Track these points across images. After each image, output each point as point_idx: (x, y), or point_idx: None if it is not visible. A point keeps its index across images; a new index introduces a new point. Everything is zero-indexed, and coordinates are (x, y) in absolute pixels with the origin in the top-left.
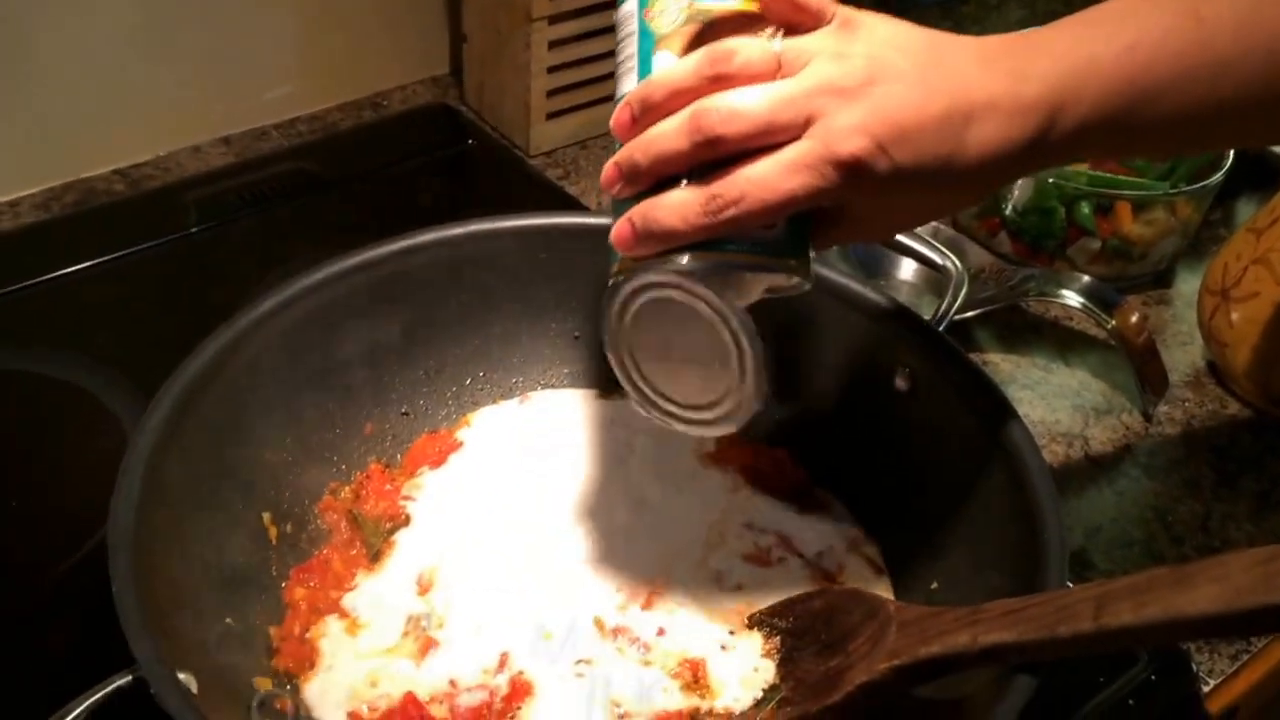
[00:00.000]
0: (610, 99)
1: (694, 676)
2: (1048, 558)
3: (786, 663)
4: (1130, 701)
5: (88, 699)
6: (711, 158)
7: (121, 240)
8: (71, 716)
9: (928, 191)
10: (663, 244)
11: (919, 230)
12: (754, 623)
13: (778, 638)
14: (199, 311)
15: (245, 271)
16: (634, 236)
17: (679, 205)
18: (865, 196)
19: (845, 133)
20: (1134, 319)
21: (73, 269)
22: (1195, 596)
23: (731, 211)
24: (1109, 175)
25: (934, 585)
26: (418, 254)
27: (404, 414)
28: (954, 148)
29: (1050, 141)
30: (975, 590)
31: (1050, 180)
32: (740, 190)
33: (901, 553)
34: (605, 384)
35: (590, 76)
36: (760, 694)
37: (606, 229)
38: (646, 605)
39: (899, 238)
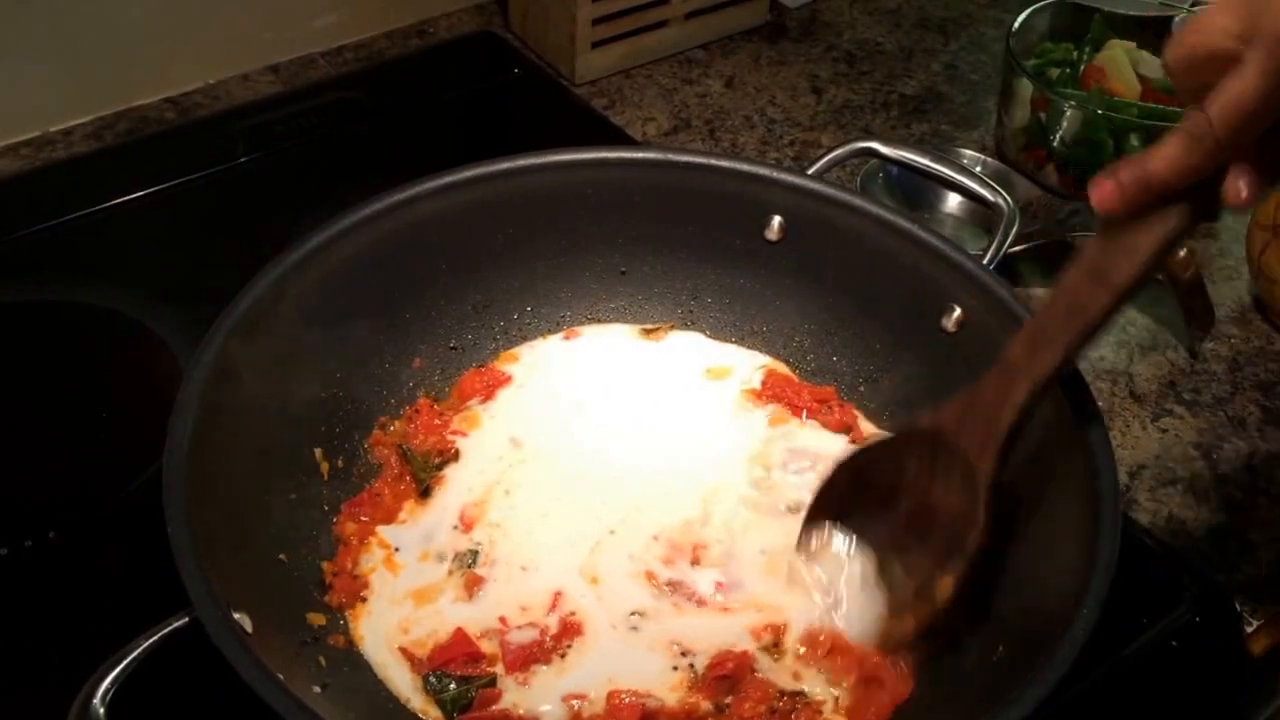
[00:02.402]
0: (655, 27)
1: (775, 640)
2: (1101, 497)
3: (867, 543)
4: (1173, 643)
5: (144, 641)
6: None
7: (172, 170)
8: (130, 659)
9: None
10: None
11: (965, 163)
12: (805, 536)
13: (838, 529)
14: (248, 241)
15: (293, 201)
16: None
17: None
18: None
19: None
20: (1181, 254)
21: (125, 198)
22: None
23: None
24: (1159, 107)
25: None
26: (464, 189)
27: (452, 348)
28: None
29: None
30: (1021, 533)
31: (1100, 111)
32: None
33: None
34: (650, 319)
35: (635, 4)
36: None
37: (654, 162)
38: (694, 562)
39: (947, 171)
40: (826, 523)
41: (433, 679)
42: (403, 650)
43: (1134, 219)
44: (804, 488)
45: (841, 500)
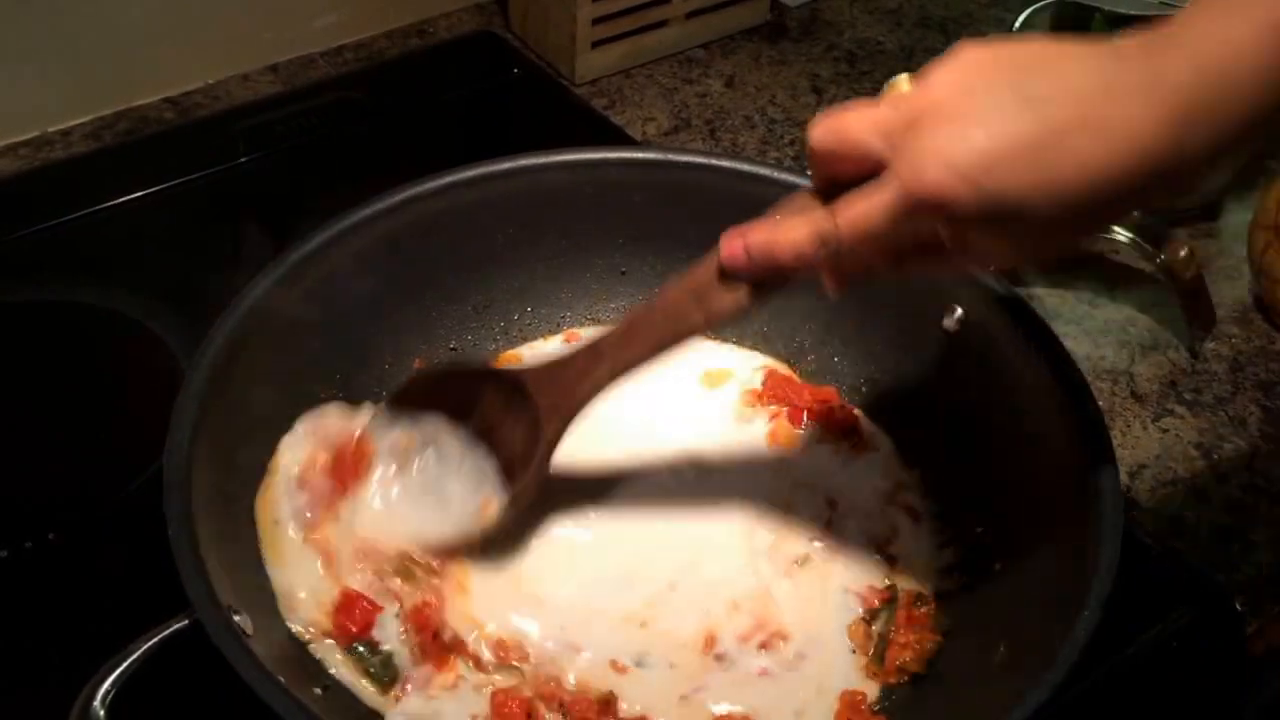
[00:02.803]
0: (655, 26)
1: None
2: (1102, 497)
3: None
4: (1174, 643)
5: (145, 643)
6: None
7: (172, 170)
8: (130, 661)
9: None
10: None
11: None
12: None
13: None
14: (248, 242)
15: (293, 201)
16: None
17: None
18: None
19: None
20: (1182, 253)
21: (123, 199)
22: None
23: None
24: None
25: (979, 530)
26: (464, 189)
27: (452, 349)
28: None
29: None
30: (1023, 533)
31: None
32: None
33: (948, 493)
34: None
35: (636, 4)
36: None
37: (654, 162)
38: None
39: None
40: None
41: None
42: None
43: None
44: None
45: (415, 406)
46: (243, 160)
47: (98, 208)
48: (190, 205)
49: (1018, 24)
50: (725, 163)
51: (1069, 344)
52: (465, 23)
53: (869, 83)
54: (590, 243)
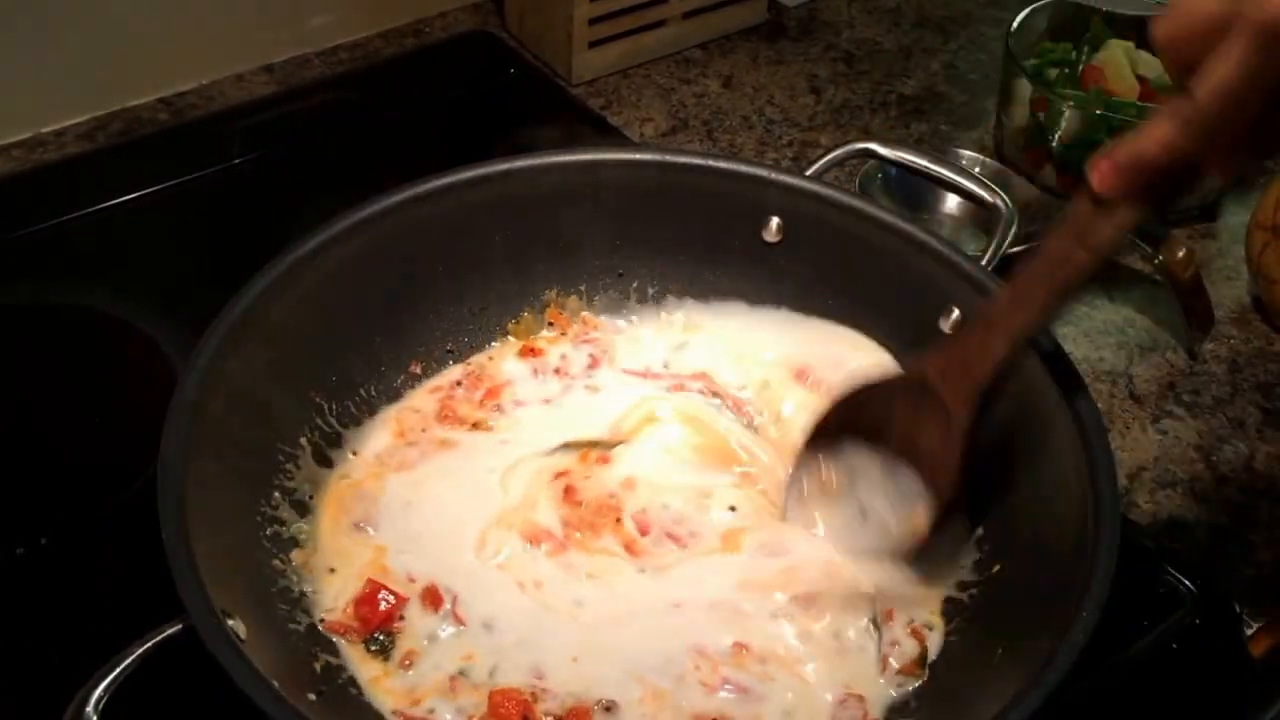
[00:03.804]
0: (652, 26)
1: None
2: (1101, 499)
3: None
4: (1174, 645)
5: (138, 648)
6: None
7: (166, 171)
8: (123, 666)
9: None
10: None
11: (963, 164)
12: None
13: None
14: (243, 244)
15: (289, 202)
16: None
17: None
18: None
19: None
20: (1180, 254)
21: (117, 200)
22: None
23: None
24: (1159, 107)
25: (979, 532)
26: (460, 190)
27: (448, 351)
28: None
29: None
30: (1020, 535)
31: (1098, 112)
32: None
33: None
34: (646, 322)
35: (633, 4)
36: None
37: (651, 163)
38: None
39: (944, 172)
40: (819, 458)
41: None
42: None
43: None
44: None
45: (832, 437)
46: (237, 161)
47: (91, 209)
48: (185, 207)
49: (1015, 24)
50: (723, 164)
51: (1067, 345)
52: (461, 22)
53: (867, 83)
54: (587, 244)
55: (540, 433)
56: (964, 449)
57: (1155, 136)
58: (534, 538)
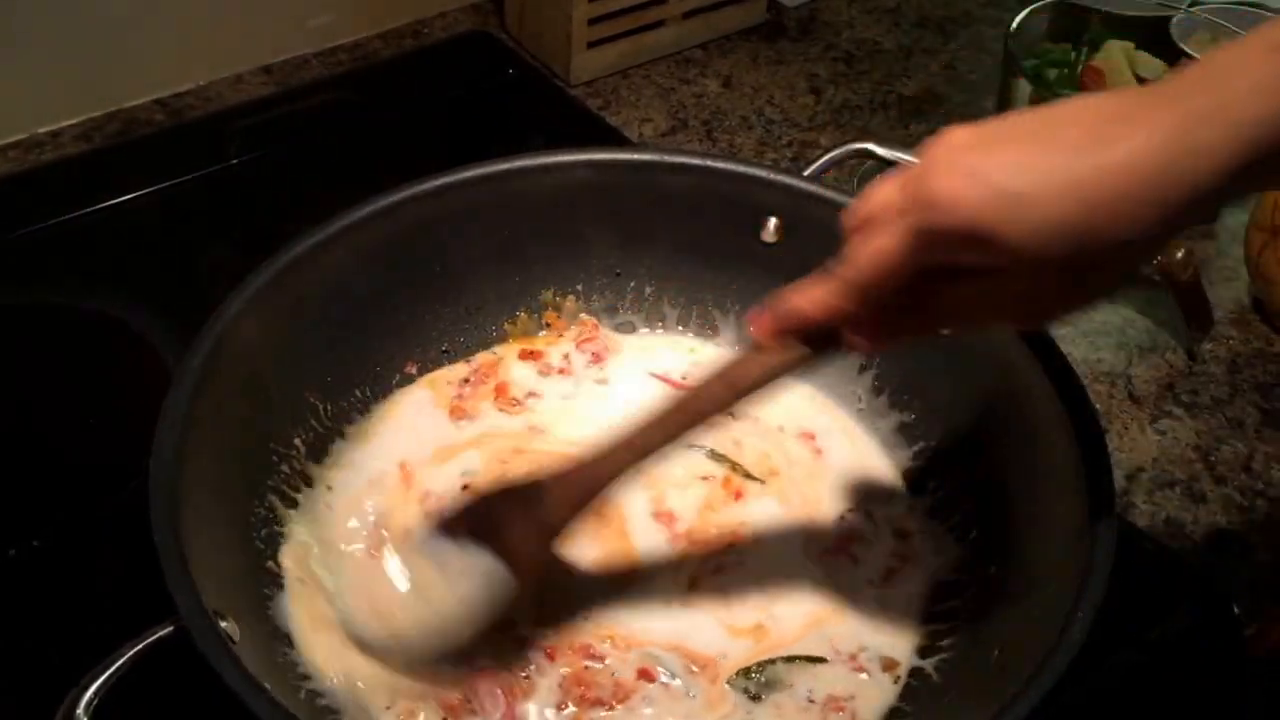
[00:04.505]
0: (652, 26)
1: None
2: (1097, 500)
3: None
4: (1172, 646)
5: (130, 650)
6: None
7: (163, 171)
8: (114, 667)
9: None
10: None
11: None
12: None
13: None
14: (239, 245)
15: (286, 203)
16: None
17: None
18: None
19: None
20: (1179, 255)
21: (114, 201)
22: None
23: None
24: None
25: (973, 534)
26: (458, 191)
27: (444, 352)
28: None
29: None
30: (1018, 536)
31: None
32: None
33: (942, 498)
34: (645, 322)
35: (632, 4)
36: None
37: (650, 163)
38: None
39: None
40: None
41: None
42: None
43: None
44: None
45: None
46: (234, 162)
47: (88, 210)
48: (181, 208)
49: (1014, 25)
50: (721, 164)
51: (1066, 346)
52: (460, 23)
53: (867, 83)
54: (585, 244)
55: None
56: (545, 545)
57: (811, 295)
58: None
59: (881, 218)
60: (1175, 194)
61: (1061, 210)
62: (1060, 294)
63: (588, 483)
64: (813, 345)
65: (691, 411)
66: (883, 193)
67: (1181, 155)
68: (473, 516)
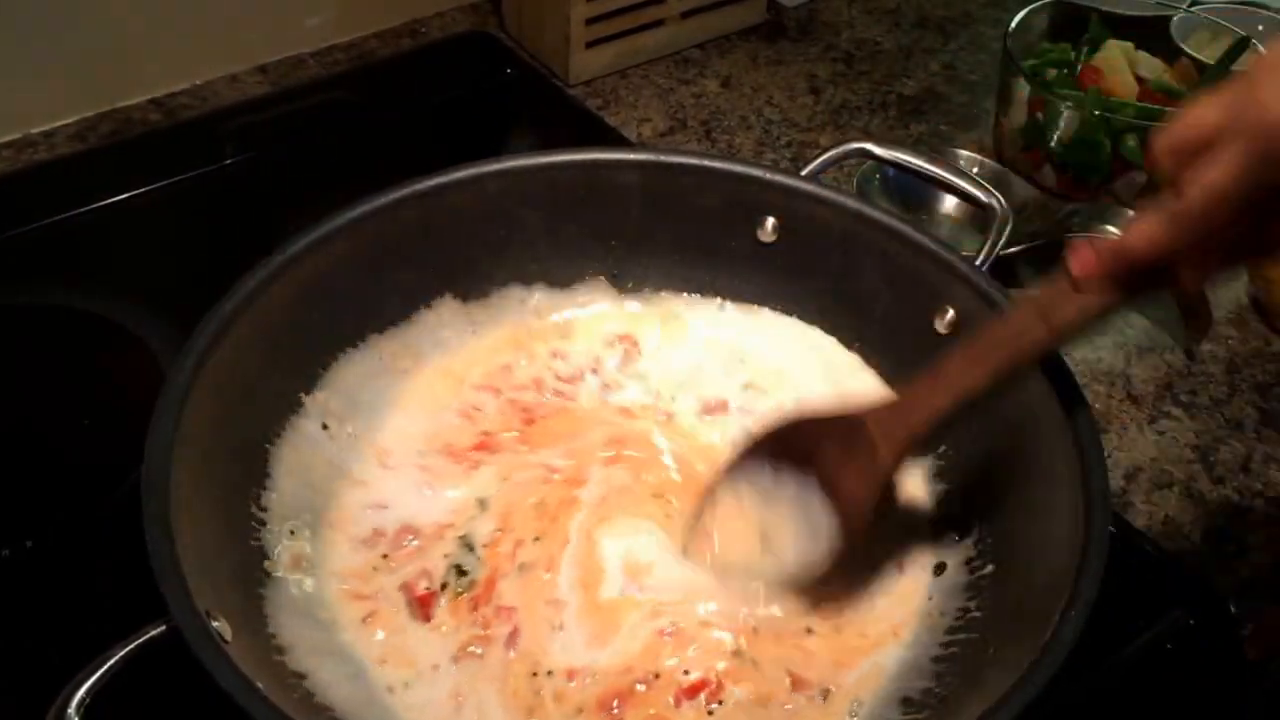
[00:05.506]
0: (650, 26)
1: None
2: (1092, 500)
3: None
4: (1169, 646)
5: (121, 649)
6: None
7: (158, 171)
8: (105, 667)
9: None
10: None
11: (962, 164)
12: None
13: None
14: (234, 245)
15: (282, 203)
16: None
17: None
18: None
19: None
20: None
21: (108, 201)
22: None
23: None
24: (1156, 107)
25: (970, 534)
26: (456, 191)
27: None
28: None
29: None
30: (1015, 536)
31: (1096, 112)
32: None
33: (941, 495)
34: None
35: (631, 3)
36: None
37: (649, 164)
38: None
39: (939, 172)
40: (738, 482)
41: None
42: None
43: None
44: None
45: (756, 462)
46: (230, 162)
47: (82, 210)
48: (176, 208)
49: (1014, 25)
50: (719, 164)
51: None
52: (458, 23)
53: (866, 83)
54: (583, 245)
55: None
56: (878, 494)
57: (1141, 231)
58: None
59: (1208, 142)
60: None
61: None
62: None
63: (908, 423)
64: (1134, 287)
65: (1011, 348)
66: (1202, 114)
67: None
68: (781, 444)
